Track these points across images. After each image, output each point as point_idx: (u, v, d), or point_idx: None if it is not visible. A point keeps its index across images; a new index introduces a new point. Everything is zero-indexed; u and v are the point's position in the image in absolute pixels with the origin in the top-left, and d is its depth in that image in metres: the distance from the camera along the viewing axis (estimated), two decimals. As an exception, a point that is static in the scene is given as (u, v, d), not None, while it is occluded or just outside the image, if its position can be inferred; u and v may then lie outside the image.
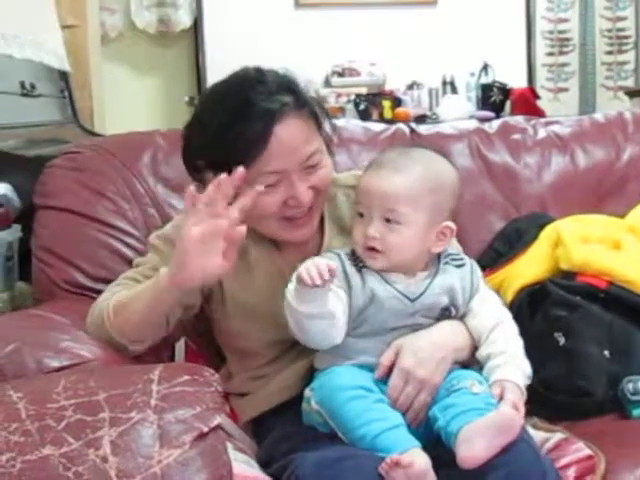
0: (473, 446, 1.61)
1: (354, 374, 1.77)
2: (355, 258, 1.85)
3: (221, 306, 2.02)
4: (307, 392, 1.84)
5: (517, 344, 1.86)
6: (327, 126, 2.00)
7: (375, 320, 1.81)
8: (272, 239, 2.00)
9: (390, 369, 1.80)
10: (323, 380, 1.79)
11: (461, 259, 1.92)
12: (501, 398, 1.73)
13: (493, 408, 1.69)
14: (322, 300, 1.71)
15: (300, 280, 1.67)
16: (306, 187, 1.88)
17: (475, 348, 1.87)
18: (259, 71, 1.92)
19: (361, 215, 1.84)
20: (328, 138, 2.01)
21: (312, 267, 1.67)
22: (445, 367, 1.81)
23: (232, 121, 1.84)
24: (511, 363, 1.80)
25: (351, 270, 1.83)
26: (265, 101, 1.84)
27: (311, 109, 1.93)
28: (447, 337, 1.84)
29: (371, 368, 1.81)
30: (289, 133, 1.85)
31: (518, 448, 1.66)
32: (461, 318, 1.89)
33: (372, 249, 1.81)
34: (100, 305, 1.93)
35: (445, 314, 1.86)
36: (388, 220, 1.81)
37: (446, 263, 1.89)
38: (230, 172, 1.77)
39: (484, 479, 1.61)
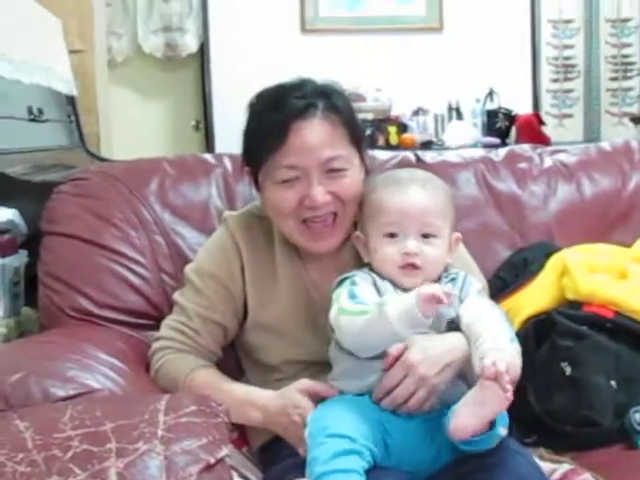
0: (460, 417, 1.65)
1: (348, 415, 1.74)
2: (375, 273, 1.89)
3: (243, 320, 2.08)
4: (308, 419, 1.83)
5: (493, 318, 1.83)
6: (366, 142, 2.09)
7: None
8: (299, 256, 2.05)
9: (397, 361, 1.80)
10: (316, 416, 1.77)
11: (455, 276, 1.93)
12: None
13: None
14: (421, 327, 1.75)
15: (432, 298, 1.68)
16: (324, 190, 1.93)
17: None
18: (302, 78, 2.02)
19: (392, 235, 1.87)
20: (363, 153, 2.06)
21: (439, 291, 1.68)
22: (449, 373, 1.79)
23: (263, 113, 1.97)
24: (488, 339, 1.75)
25: (379, 282, 1.87)
26: (297, 99, 1.94)
27: (345, 119, 1.99)
28: (458, 345, 1.82)
29: None
30: (311, 132, 1.93)
31: (528, 474, 1.69)
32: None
33: (412, 266, 1.85)
34: (171, 375, 2.02)
35: (452, 327, 1.86)
36: (425, 235, 1.86)
37: (445, 283, 1.91)
38: (258, 168, 1.96)
39: None
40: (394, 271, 1.86)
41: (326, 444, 1.66)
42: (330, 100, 1.97)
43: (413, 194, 1.88)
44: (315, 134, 1.93)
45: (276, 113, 1.93)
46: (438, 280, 1.89)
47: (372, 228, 1.91)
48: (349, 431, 1.68)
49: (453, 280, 1.92)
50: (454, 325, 1.86)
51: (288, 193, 1.95)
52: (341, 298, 1.82)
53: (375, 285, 1.86)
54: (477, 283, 1.95)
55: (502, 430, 1.70)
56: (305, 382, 1.88)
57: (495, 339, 1.74)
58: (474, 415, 1.64)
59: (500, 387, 1.61)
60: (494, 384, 1.61)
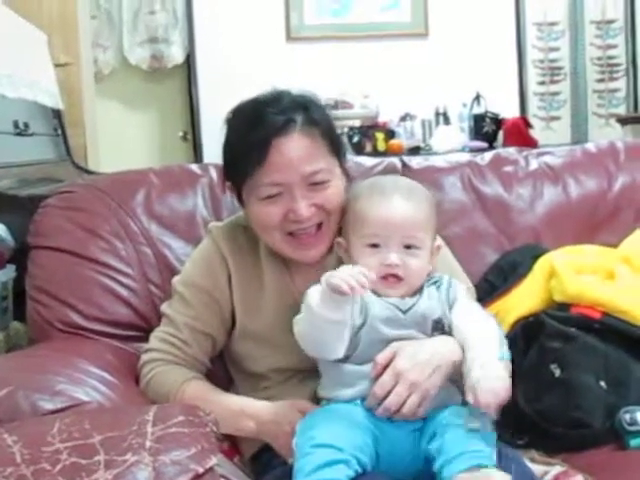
0: None
1: (336, 424, 1.74)
2: None
3: (231, 330, 2.09)
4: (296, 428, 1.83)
5: (483, 333, 1.85)
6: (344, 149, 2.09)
7: (369, 337, 1.83)
8: (285, 265, 2.06)
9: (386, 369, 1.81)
10: (304, 425, 1.77)
11: (438, 280, 1.94)
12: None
13: (488, 448, 1.68)
14: (347, 308, 1.75)
15: (337, 290, 1.69)
16: (308, 203, 1.93)
17: None
18: (278, 91, 2.01)
19: (375, 245, 1.87)
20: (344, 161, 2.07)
21: (349, 277, 1.69)
22: (439, 377, 1.79)
23: (242, 130, 1.96)
24: (477, 361, 1.76)
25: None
26: (275, 115, 1.93)
27: (324, 130, 1.98)
28: (446, 348, 1.83)
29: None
30: (292, 148, 1.92)
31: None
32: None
33: (394, 277, 1.85)
34: (163, 387, 2.02)
35: (438, 327, 1.87)
36: (408, 247, 1.87)
37: (428, 286, 1.92)
38: (241, 185, 1.96)
39: None
40: (375, 282, 1.83)
41: (311, 455, 1.66)
42: (308, 113, 1.97)
43: (396, 205, 1.89)
44: (296, 150, 1.93)
45: (255, 130, 1.93)
46: (421, 288, 1.90)
47: (354, 237, 1.92)
48: (336, 441, 1.67)
49: (436, 284, 1.93)
50: (440, 325, 1.87)
51: (272, 208, 1.95)
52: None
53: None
54: (462, 286, 1.96)
55: None
56: (304, 403, 1.90)
57: (485, 361, 1.75)
58: None
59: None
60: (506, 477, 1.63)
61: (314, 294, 1.77)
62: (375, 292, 1.86)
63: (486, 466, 1.63)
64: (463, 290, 1.95)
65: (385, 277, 1.86)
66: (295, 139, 1.93)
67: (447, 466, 1.66)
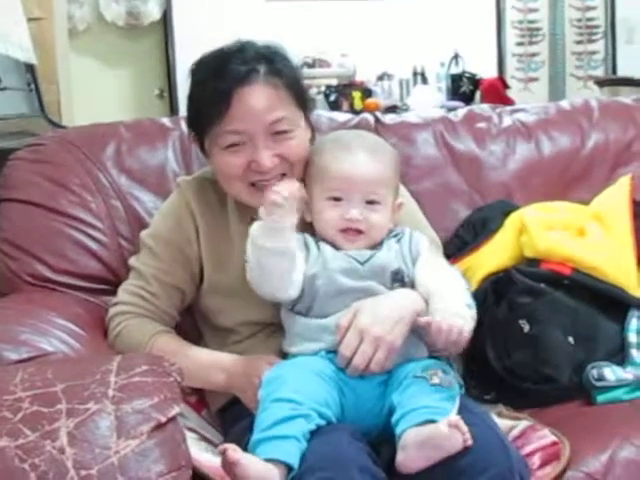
0: (410, 456, 1.63)
1: (299, 377, 1.73)
2: (314, 233, 1.93)
3: (200, 284, 2.09)
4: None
5: (450, 282, 1.87)
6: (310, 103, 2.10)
7: (327, 289, 1.84)
8: (253, 218, 2.02)
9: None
10: (268, 378, 1.76)
11: (399, 233, 1.96)
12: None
13: (446, 405, 1.68)
14: (287, 235, 1.79)
15: (272, 203, 1.76)
16: (270, 153, 1.94)
17: None
18: (243, 42, 2.02)
19: (337, 199, 1.89)
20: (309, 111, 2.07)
21: (280, 189, 1.77)
22: (403, 328, 1.80)
23: (205, 80, 1.98)
24: (442, 300, 1.79)
25: (310, 241, 1.91)
26: (238, 65, 1.94)
27: (288, 81, 1.99)
28: (406, 300, 1.85)
29: (334, 354, 1.81)
30: (254, 97, 1.93)
31: (484, 436, 1.66)
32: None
33: (355, 230, 1.87)
34: (132, 340, 2.02)
35: (397, 278, 1.88)
36: (370, 202, 1.88)
37: (388, 239, 1.93)
38: (204, 135, 1.98)
39: (451, 466, 1.61)
40: (335, 234, 1.89)
41: (268, 409, 1.67)
42: (272, 64, 1.98)
43: (360, 161, 1.91)
44: (258, 99, 1.93)
45: (217, 80, 1.94)
46: (380, 242, 1.92)
47: (317, 190, 1.93)
48: (296, 394, 1.68)
49: (397, 237, 1.94)
50: (400, 276, 1.88)
51: (235, 158, 1.96)
52: None
53: (305, 240, 1.91)
54: (425, 239, 1.97)
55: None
56: (274, 357, 1.91)
57: (452, 303, 1.78)
58: (426, 458, 1.61)
59: (460, 433, 1.61)
60: (455, 432, 1.60)
61: (256, 227, 1.81)
62: (333, 245, 1.88)
63: (436, 421, 1.63)
64: (426, 243, 1.96)
65: (345, 230, 1.88)
66: (257, 89, 1.94)
67: (402, 419, 1.67)
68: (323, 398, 1.70)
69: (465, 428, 1.61)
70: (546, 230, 2.26)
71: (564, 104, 2.81)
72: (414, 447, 1.62)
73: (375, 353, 1.77)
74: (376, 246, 1.91)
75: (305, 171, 1.99)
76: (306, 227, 1.96)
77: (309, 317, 1.86)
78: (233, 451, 1.57)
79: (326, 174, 1.91)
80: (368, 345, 1.77)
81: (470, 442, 1.61)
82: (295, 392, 1.68)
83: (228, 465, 1.57)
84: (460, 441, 1.60)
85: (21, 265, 2.25)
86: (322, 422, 1.67)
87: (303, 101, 2.03)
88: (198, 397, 2.10)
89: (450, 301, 1.79)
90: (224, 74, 1.93)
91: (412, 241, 1.94)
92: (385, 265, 1.87)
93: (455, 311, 1.76)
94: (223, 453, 1.58)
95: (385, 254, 1.89)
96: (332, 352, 1.81)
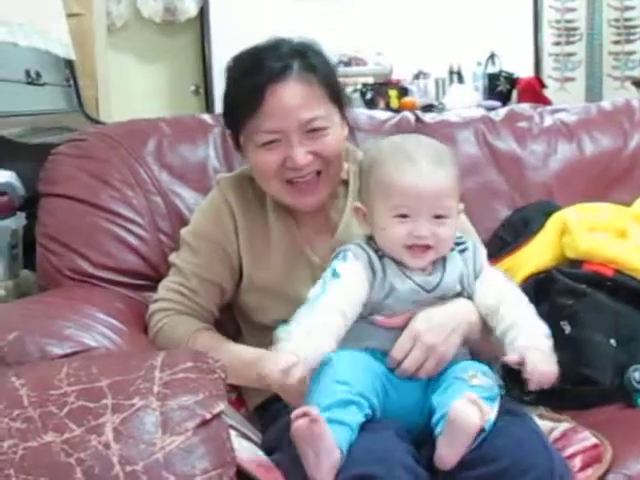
0: (442, 450, 1.63)
1: (352, 365, 1.71)
2: (376, 248, 1.82)
3: (239, 281, 2.09)
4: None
5: (526, 310, 1.83)
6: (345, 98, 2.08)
7: (392, 310, 1.80)
8: (292, 216, 2.07)
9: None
10: (323, 364, 1.71)
11: (464, 243, 1.90)
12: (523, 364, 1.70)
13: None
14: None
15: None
16: (304, 151, 1.94)
17: (488, 331, 1.84)
18: (278, 39, 2.01)
19: (404, 216, 1.77)
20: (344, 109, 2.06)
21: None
22: (456, 338, 1.79)
23: (239, 76, 1.98)
24: (524, 331, 1.76)
25: (376, 261, 1.80)
26: (272, 62, 1.94)
27: (322, 77, 1.98)
28: (462, 310, 1.83)
29: (381, 354, 1.79)
30: (287, 93, 1.93)
31: (525, 437, 1.66)
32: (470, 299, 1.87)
33: (423, 247, 1.78)
34: (173, 337, 2.02)
35: (457, 296, 1.85)
36: (438, 216, 1.78)
37: (452, 250, 1.86)
38: (239, 132, 1.98)
39: (492, 467, 1.60)
40: (401, 251, 1.79)
41: (325, 390, 1.65)
42: (306, 59, 1.97)
43: (426, 173, 1.76)
44: (291, 95, 1.93)
45: (252, 77, 1.94)
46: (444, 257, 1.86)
47: (380, 206, 1.80)
48: (350, 378, 1.66)
49: (461, 250, 1.88)
50: (460, 295, 1.86)
51: (270, 156, 1.96)
52: (325, 275, 1.80)
53: (370, 262, 1.80)
54: (484, 250, 1.93)
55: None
56: None
57: (531, 334, 1.76)
58: (454, 449, 1.62)
59: (477, 409, 1.61)
60: (471, 407, 1.61)
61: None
62: (399, 262, 1.80)
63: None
64: (485, 255, 1.92)
65: (411, 247, 1.78)
66: (291, 85, 1.94)
67: (442, 420, 1.65)
68: (372, 388, 1.69)
69: (484, 405, 1.61)
70: (588, 231, 2.25)
71: (605, 104, 2.79)
72: (445, 441, 1.62)
73: (425, 361, 1.76)
74: (440, 263, 1.83)
75: (361, 180, 1.89)
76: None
77: (363, 322, 1.80)
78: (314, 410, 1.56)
79: (390, 189, 1.77)
80: (419, 352, 1.76)
81: (485, 421, 1.61)
82: (349, 375, 1.67)
83: (307, 424, 1.56)
84: (477, 417, 1.60)
85: (62, 260, 2.26)
86: (370, 412, 1.66)
87: (338, 97, 2.02)
88: (237, 395, 2.10)
89: (536, 340, 1.76)
90: (258, 70, 1.93)
91: (476, 258, 1.88)
92: (450, 288, 1.83)
93: (548, 354, 1.74)
94: (301, 415, 1.56)
95: (450, 278, 1.82)
96: (377, 351, 1.79)
